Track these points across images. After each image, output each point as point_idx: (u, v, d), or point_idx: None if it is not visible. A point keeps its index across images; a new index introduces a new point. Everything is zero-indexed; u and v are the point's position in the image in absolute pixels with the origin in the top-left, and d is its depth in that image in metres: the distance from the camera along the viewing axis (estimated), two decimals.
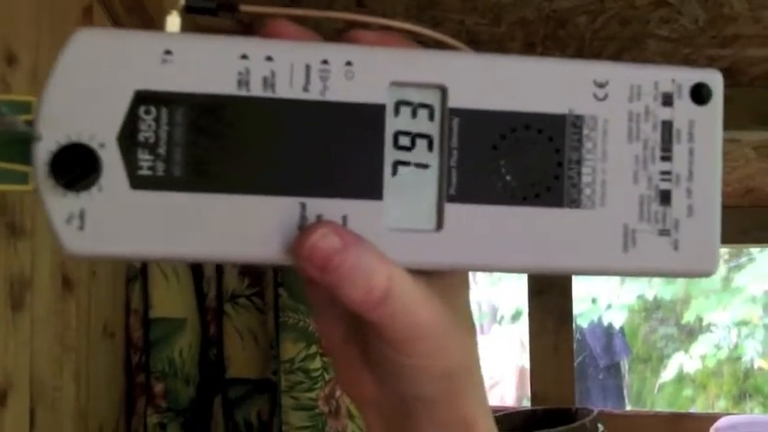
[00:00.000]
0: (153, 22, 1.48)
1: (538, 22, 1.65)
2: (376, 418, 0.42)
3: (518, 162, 0.37)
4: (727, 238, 0.39)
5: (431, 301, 0.36)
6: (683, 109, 0.38)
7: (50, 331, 1.19)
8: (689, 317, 6.63)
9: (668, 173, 0.37)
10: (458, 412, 0.39)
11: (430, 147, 0.37)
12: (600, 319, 6.54)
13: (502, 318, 6.85)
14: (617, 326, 6.64)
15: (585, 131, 0.37)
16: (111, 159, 0.34)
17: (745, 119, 1.93)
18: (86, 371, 1.35)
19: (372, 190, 0.36)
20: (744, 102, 1.91)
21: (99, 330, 1.43)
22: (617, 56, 1.79)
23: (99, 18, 1.35)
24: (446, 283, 0.39)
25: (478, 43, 1.74)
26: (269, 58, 0.35)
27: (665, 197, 0.37)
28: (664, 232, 0.37)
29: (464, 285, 0.41)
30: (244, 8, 0.40)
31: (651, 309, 6.92)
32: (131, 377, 1.58)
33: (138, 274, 1.57)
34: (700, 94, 0.38)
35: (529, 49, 1.77)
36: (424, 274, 0.37)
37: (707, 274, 0.38)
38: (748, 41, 1.72)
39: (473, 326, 0.41)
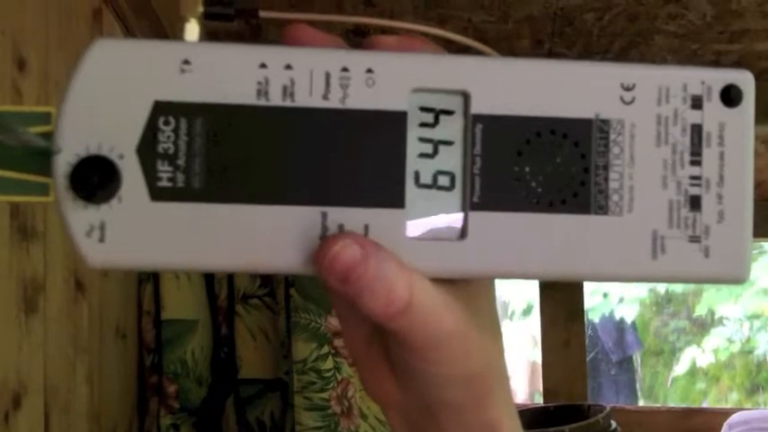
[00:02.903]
0: (161, 24, 1.48)
1: (545, 20, 1.65)
2: (400, 421, 0.42)
3: (543, 168, 0.36)
4: None
5: (453, 309, 0.36)
6: (713, 111, 0.37)
7: (63, 333, 1.20)
8: (701, 310, 6.60)
9: (698, 178, 0.36)
10: (483, 416, 0.39)
11: (453, 154, 0.36)
12: (611, 313, 6.51)
13: (513, 313, 6.83)
14: (629, 320, 6.61)
15: (612, 136, 0.36)
16: (131, 171, 0.34)
17: (755, 113, 1.92)
18: (99, 372, 1.35)
19: (394, 198, 0.35)
20: None
21: (111, 332, 1.44)
22: (624, 52, 1.79)
23: (108, 20, 1.36)
24: (470, 287, 0.38)
25: (486, 41, 1.74)
26: (288, 67, 0.35)
27: (695, 203, 0.36)
28: (694, 239, 0.36)
29: (489, 288, 0.40)
30: (263, 14, 0.39)
31: (663, 302, 6.89)
32: (144, 378, 1.59)
33: (149, 275, 1.58)
34: (730, 96, 0.37)
35: (537, 46, 1.77)
36: (447, 280, 0.36)
37: (738, 281, 0.37)
38: (756, 36, 1.72)
39: (498, 329, 0.40)
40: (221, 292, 1.61)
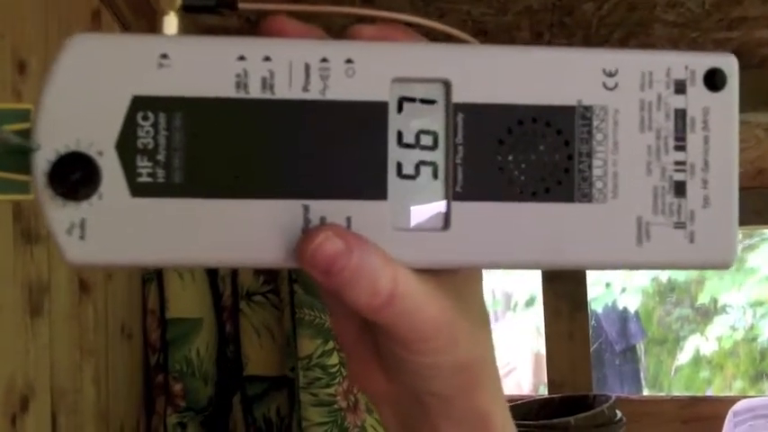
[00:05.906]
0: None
1: (544, 11, 1.65)
2: (391, 413, 0.42)
3: (526, 157, 0.35)
4: (740, 220, 0.37)
5: (438, 300, 0.36)
6: (697, 96, 0.36)
7: (69, 335, 1.20)
8: (703, 298, 6.60)
9: (683, 163, 0.36)
10: (472, 406, 0.39)
11: (435, 143, 0.35)
12: (614, 303, 6.51)
13: (516, 304, 6.83)
14: (632, 309, 6.61)
15: (595, 122, 0.36)
16: (111, 167, 0.34)
17: (755, 100, 1.92)
18: (106, 373, 1.36)
19: (376, 190, 0.35)
20: (752, 83, 1.90)
21: (117, 332, 1.44)
22: (624, 42, 1.79)
23: (107, 22, 1.36)
24: (457, 277, 0.38)
25: (485, 33, 1.74)
26: (267, 59, 0.34)
27: (680, 188, 0.36)
28: (679, 225, 0.36)
29: (476, 277, 0.40)
30: (242, 5, 0.38)
31: (665, 291, 6.89)
32: (150, 377, 1.59)
33: (153, 275, 1.58)
34: (714, 80, 0.36)
35: (536, 37, 1.77)
36: (432, 271, 0.36)
37: (724, 266, 0.37)
38: (755, 23, 1.72)
39: (486, 318, 0.40)
40: (225, 290, 1.61)
